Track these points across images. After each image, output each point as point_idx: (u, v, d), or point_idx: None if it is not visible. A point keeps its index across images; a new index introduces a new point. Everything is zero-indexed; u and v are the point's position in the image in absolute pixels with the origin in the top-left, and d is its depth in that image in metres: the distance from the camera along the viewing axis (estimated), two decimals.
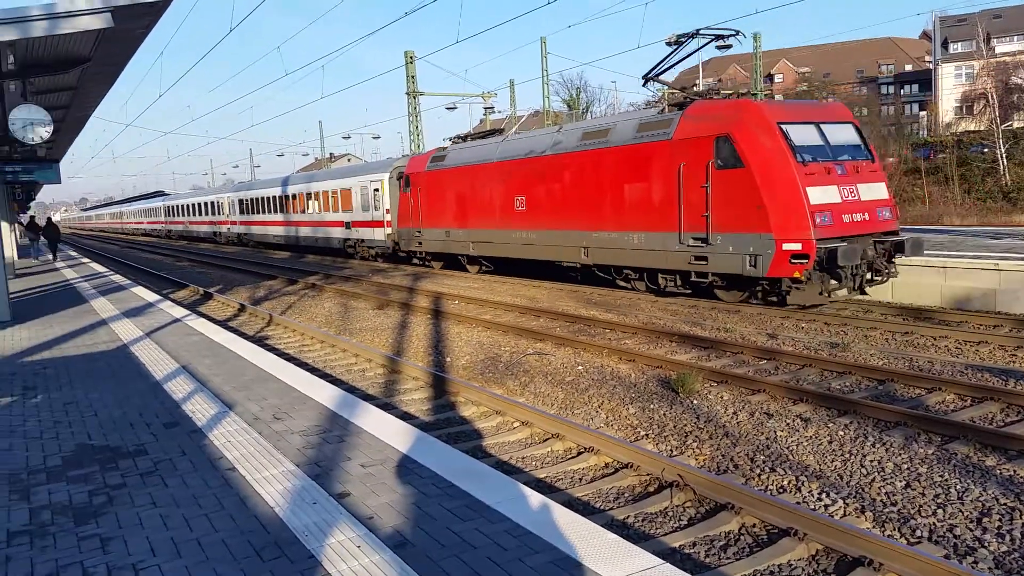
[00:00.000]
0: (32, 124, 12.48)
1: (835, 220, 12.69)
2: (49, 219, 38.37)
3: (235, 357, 8.84)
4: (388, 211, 26.15)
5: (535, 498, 4.30)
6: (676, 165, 14.21)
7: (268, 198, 38.02)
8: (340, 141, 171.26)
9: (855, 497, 5.67)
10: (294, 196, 34.54)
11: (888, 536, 5.05)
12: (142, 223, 71.92)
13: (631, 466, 6.29)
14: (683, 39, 15.13)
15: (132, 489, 4.72)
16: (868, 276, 13.27)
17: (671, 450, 6.91)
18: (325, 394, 6.90)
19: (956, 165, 41.02)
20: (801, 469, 6.24)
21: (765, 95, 49.11)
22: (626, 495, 5.93)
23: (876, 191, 13.57)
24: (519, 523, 3.97)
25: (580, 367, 10.04)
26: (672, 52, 15.37)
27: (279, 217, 36.80)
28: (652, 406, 8.14)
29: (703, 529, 5.21)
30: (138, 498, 4.56)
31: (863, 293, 13.80)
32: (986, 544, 4.90)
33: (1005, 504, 5.43)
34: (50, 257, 31.83)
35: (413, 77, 38.31)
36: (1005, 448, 6.40)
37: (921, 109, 73.08)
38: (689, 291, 15.04)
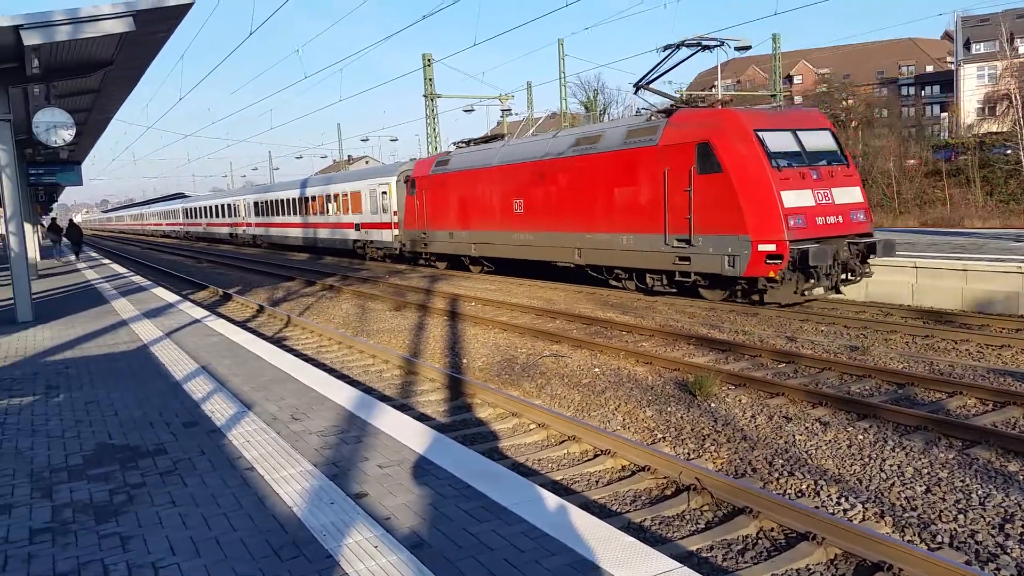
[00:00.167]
0: (55, 127, 12.64)
1: (808, 222, 13.26)
2: (71, 220, 38.91)
3: (254, 358, 8.90)
4: (395, 213, 26.87)
5: (552, 500, 4.30)
6: (661, 170, 14.90)
7: (282, 201, 38.77)
8: (358, 143, 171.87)
9: (874, 502, 5.63)
10: (307, 199, 35.24)
11: (908, 541, 5.01)
12: (161, 225, 72.65)
13: (648, 469, 6.27)
14: (670, 48, 15.76)
15: (152, 488, 4.76)
16: (843, 276, 13.78)
17: (688, 453, 6.88)
18: (343, 395, 6.93)
19: (978, 167, 40.56)
20: (820, 473, 6.20)
21: (784, 96, 48.84)
22: (643, 498, 5.92)
23: (851, 195, 14.13)
24: (536, 525, 3.97)
25: (597, 369, 10.02)
26: (660, 61, 16.07)
27: (292, 219, 37.54)
28: (669, 409, 8.12)
29: (720, 533, 5.19)
30: (158, 497, 4.60)
31: (838, 292, 14.32)
32: (1008, 551, 4.84)
33: None
34: (72, 258, 32.25)
35: (431, 80, 38.44)
36: None
37: (942, 110, 72.42)
38: (675, 290, 15.62)
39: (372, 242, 29.14)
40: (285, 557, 3.73)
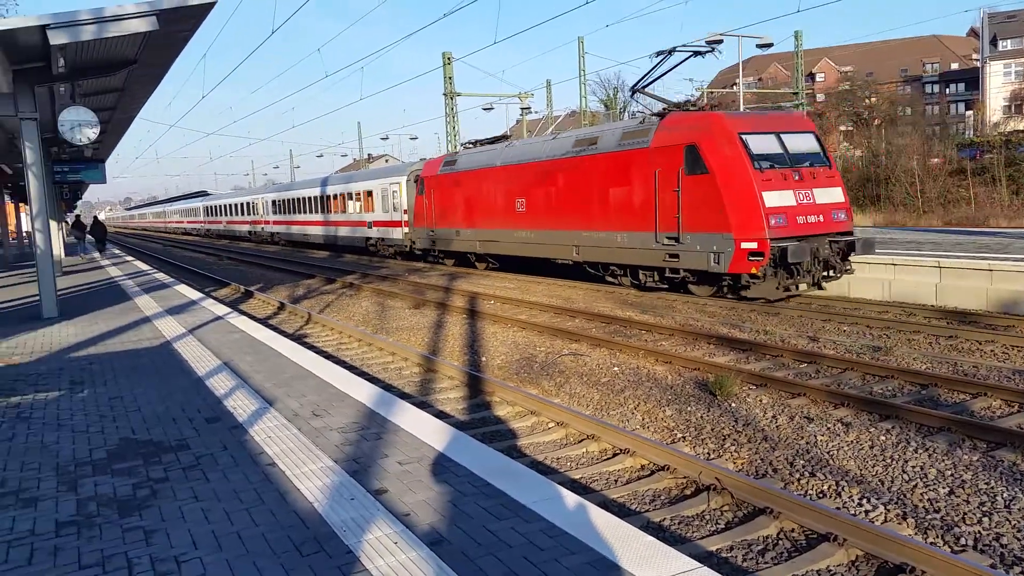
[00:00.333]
0: (80, 125, 12.80)
1: (789, 221, 13.88)
2: (96, 218, 39.40)
3: (275, 354, 8.97)
4: (405, 212, 27.71)
5: (571, 498, 4.30)
6: (653, 171, 15.55)
7: (299, 199, 39.75)
8: (378, 142, 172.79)
9: (896, 503, 5.57)
10: (323, 197, 36.22)
11: (931, 543, 4.95)
12: (183, 222, 73.36)
13: (667, 468, 6.25)
14: (662, 55, 16.47)
15: (174, 483, 4.81)
16: (825, 273, 14.36)
17: (708, 453, 6.84)
18: (363, 392, 6.97)
19: (1004, 165, 39.93)
20: (841, 474, 6.15)
21: (807, 94, 48.43)
22: (662, 498, 5.90)
23: (832, 195, 14.76)
24: (555, 523, 3.97)
25: (616, 368, 10.00)
26: (654, 67, 16.79)
27: (308, 217, 38.52)
28: (689, 408, 8.08)
29: (741, 533, 5.16)
30: (180, 492, 4.65)
31: (820, 288, 14.90)
32: None
33: None
34: (96, 255, 32.64)
35: (450, 78, 38.51)
36: None
37: (967, 108, 71.47)
38: (666, 287, 16.23)
39: (383, 239, 29.98)
40: (306, 552, 3.76)
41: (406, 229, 27.73)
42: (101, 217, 44.22)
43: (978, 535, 5.05)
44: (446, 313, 15.28)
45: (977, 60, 70.99)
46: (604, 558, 3.56)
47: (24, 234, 43.70)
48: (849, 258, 14.51)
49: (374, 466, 4.96)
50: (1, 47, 10.66)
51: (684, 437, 7.27)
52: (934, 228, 28.06)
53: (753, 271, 13.83)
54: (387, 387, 9.44)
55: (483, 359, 11.02)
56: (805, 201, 14.19)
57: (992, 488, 5.74)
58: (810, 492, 5.87)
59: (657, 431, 7.51)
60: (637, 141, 16.11)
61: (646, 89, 17.32)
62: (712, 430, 7.38)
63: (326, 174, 42.41)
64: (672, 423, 7.68)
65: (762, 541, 5.09)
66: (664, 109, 16.54)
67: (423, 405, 8.46)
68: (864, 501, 5.63)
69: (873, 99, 69.07)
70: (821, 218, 14.34)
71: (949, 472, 6.08)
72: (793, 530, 5.16)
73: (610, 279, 17.80)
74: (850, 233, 14.81)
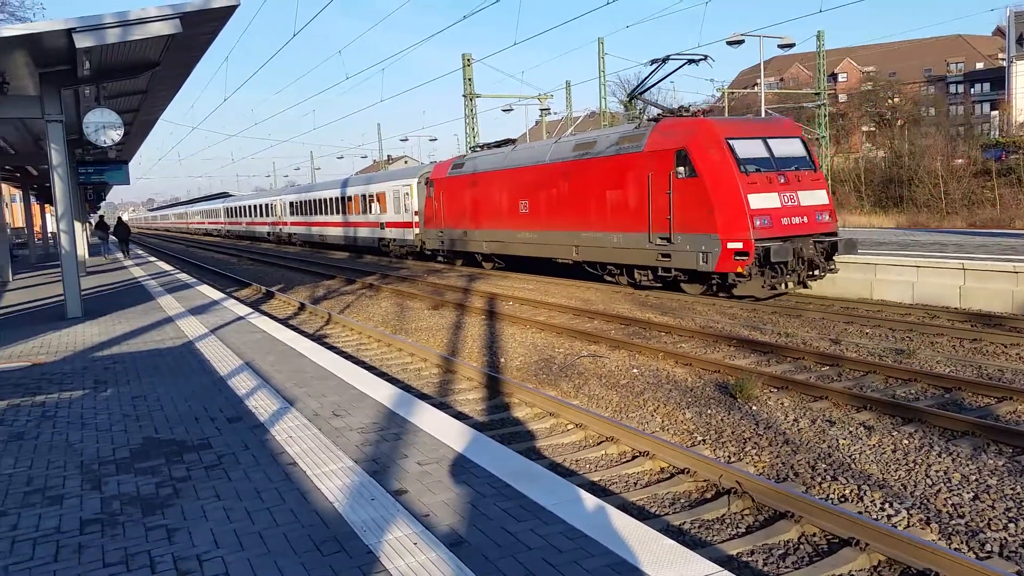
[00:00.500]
0: (104, 127, 12.95)
1: (774, 222, 14.48)
2: (119, 218, 39.86)
3: (296, 355, 9.03)
4: (416, 213, 28.56)
5: (590, 501, 4.29)
6: (647, 174, 16.17)
7: (316, 200, 40.61)
8: (398, 143, 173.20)
9: (919, 508, 5.51)
10: (339, 199, 37.09)
11: (955, 549, 4.89)
12: (204, 223, 74.06)
13: (687, 471, 6.22)
14: (657, 63, 17.09)
15: (197, 482, 4.85)
16: (810, 272, 14.91)
17: (729, 456, 6.80)
18: (382, 392, 6.99)
19: None
20: (863, 478, 6.09)
21: (829, 95, 48.02)
22: (682, 501, 5.87)
23: (816, 197, 15.35)
24: (574, 525, 3.96)
25: (635, 370, 9.97)
26: (650, 74, 17.56)
27: (325, 218, 39.40)
28: (709, 411, 8.04)
29: (762, 537, 5.13)
30: (202, 491, 4.69)
31: (805, 287, 15.51)
32: None
33: None
34: (120, 255, 33.00)
35: (470, 79, 38.57)
36: None
37: (992, 109, 70.53)
38: (660, 285, 16.88)
39: (395, 240, 30.84)
40: (327, 552, 3.78)
41: (417, 230, 28.50)
42: (124, 218, 44.66)
43: (1004, 541, 4.98)
44: (464, 314, 15.31)
45: (1003, 59, 70.03)
46: (624, 561, 3.55)
47: (49, 235, 44.29)
48: (833, 258, 15.05)
49: (394, 466, 4.97)
50: (28, 50, 10.82)
51: (704, 440, 7.23)
52: (958, 230, 27.73)
53: (739, 270, 14.38)
54: (406, 388, 9.47)
55: (502, 360, 11.02)
56: (790, 203, 14.79)
57: (1018, 494, 5.66)
58: (832, 496, 5.82)
59: (677, 434, 7.48)
60: (632, 145, 16.73)
61: (643, 95, 18.20)
62: (732, 433, 7.34)
63: (344, 176, 43.04)
64: (692, 426, 7.64)
65: (783, 545, 5.05)
66: (659, 115, 17.16)
67: (442, 406, 8.47)
68: (886, 505, 5.57)
69: (896, 99, 68.30)
70: (805, 219, 14.91)
71: (973, 477, 6.01)
72: (814, 534, 5.12)
73: (608, 278, 18.39)
74: (834, 234, 15.38)
